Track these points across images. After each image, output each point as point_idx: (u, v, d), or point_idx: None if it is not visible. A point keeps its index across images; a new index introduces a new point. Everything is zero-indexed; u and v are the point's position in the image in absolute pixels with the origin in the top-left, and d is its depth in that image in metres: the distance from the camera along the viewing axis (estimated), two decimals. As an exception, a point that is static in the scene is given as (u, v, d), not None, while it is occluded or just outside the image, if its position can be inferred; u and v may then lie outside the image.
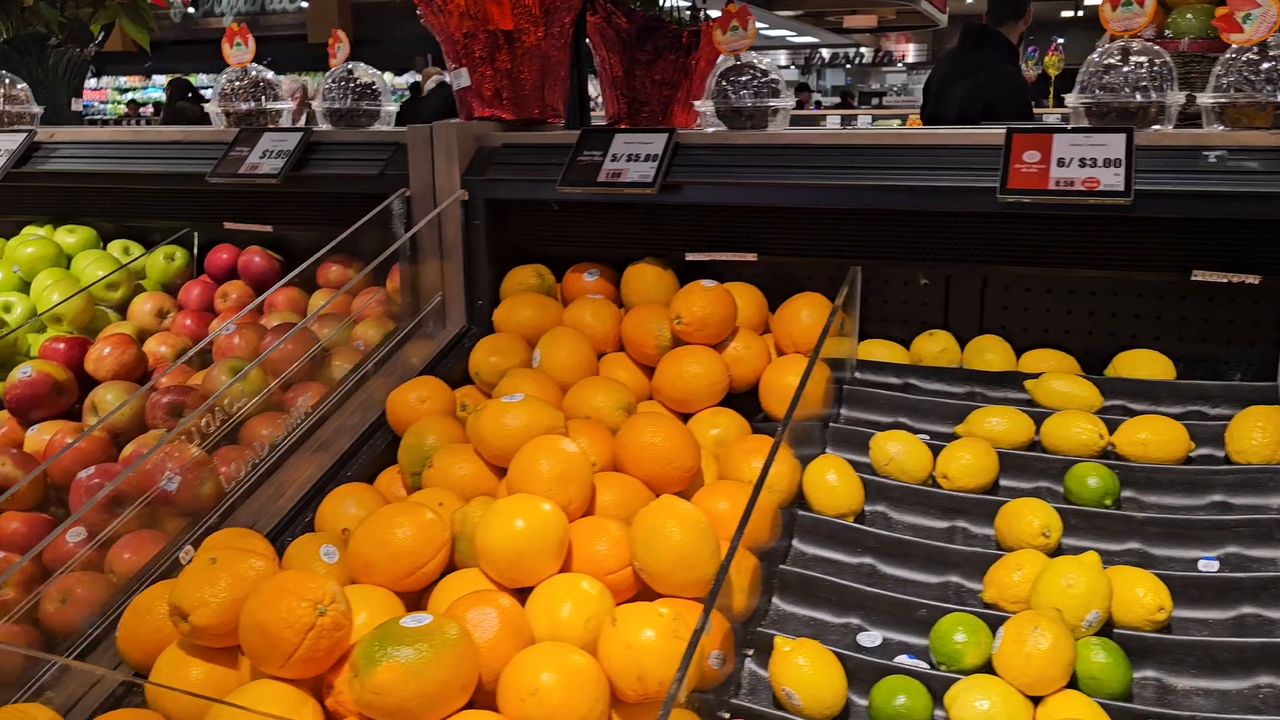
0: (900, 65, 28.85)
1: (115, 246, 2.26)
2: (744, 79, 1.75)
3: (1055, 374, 1.57)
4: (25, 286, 2.15)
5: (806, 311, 1.62)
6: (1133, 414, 1.50)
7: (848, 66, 29.25)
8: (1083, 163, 1.44)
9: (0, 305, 2.08)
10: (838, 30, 24.43)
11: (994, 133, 1.56)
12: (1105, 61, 1.56)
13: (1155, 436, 1.42)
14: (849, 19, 21.18)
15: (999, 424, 1.50)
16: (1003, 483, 1.46)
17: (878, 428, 1.58)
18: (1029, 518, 1.31)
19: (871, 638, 1.26)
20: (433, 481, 1.40)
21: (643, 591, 1.24)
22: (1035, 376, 1.58)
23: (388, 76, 17.04)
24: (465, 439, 1.49)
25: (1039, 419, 1.50)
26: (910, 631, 1.26)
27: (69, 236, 2.23)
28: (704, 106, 1.81)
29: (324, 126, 2.06)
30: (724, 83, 1.77)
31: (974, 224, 1.63)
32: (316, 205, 2.03)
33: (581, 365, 1.63)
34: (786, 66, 28.65)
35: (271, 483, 1.55)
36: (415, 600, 1.23)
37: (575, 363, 1.62)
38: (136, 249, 2.27)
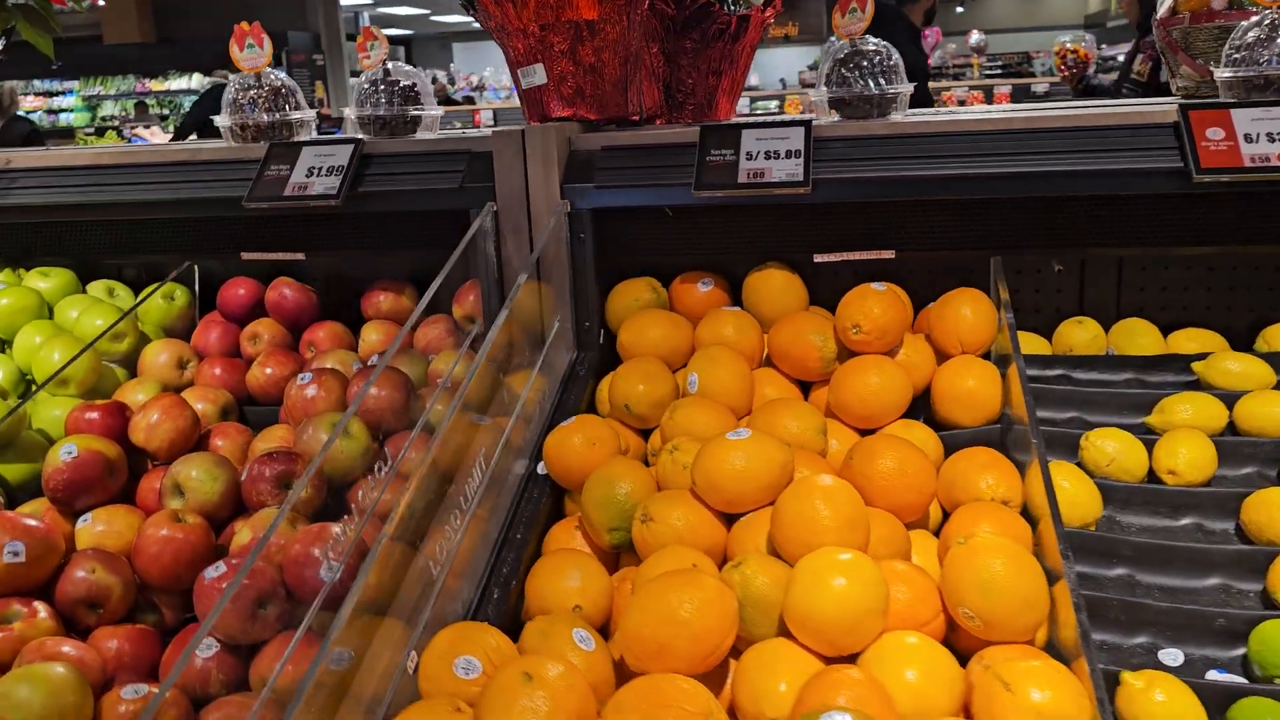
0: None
1: (97, 289, 1.93)
2: (865, 64, 1.64)
3: (1225, 353, 1.54)
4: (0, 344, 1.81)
5: (969, 308, 1.52)
6: (1312, 387, 1.48)
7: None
8: (1271, 138, 1.40)
9: (-24, 368, 1.74)
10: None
11: (1152, 110, 1.51)
12: (1250, 36, 1.53)
13: (1361, 408, 1.41)
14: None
15: (1189, 411, 1.45)
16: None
17: (1054, 425, 1.51)
18: (1291, 507, 1.26)
19: (1173, 656, 1.18)
20: (656, 538, 1.22)
21: (947, 641, 1.12)
22: (1200, 357, 1.55)
23: (195, 78, 16.01)
24: (656, 485, 1.32)
25: (1228, 401, 1.46)
26: (1211, 644, 1.19)
27: (42, 281, 1.89)
28: (818, 95, 1.68)
29: (357, 135, 1.81)
30: (843, 69, 1.65)
31: (1125, 206, 1.57)
32: (367, 226, 1.79)
33: (745, 387, 1.48)
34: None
35: (421, 556, 1.34)
36: (713, 683, 1.07)
37: (740, 385, 1.47)
38: (123, 290, 1.96)
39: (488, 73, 18.65)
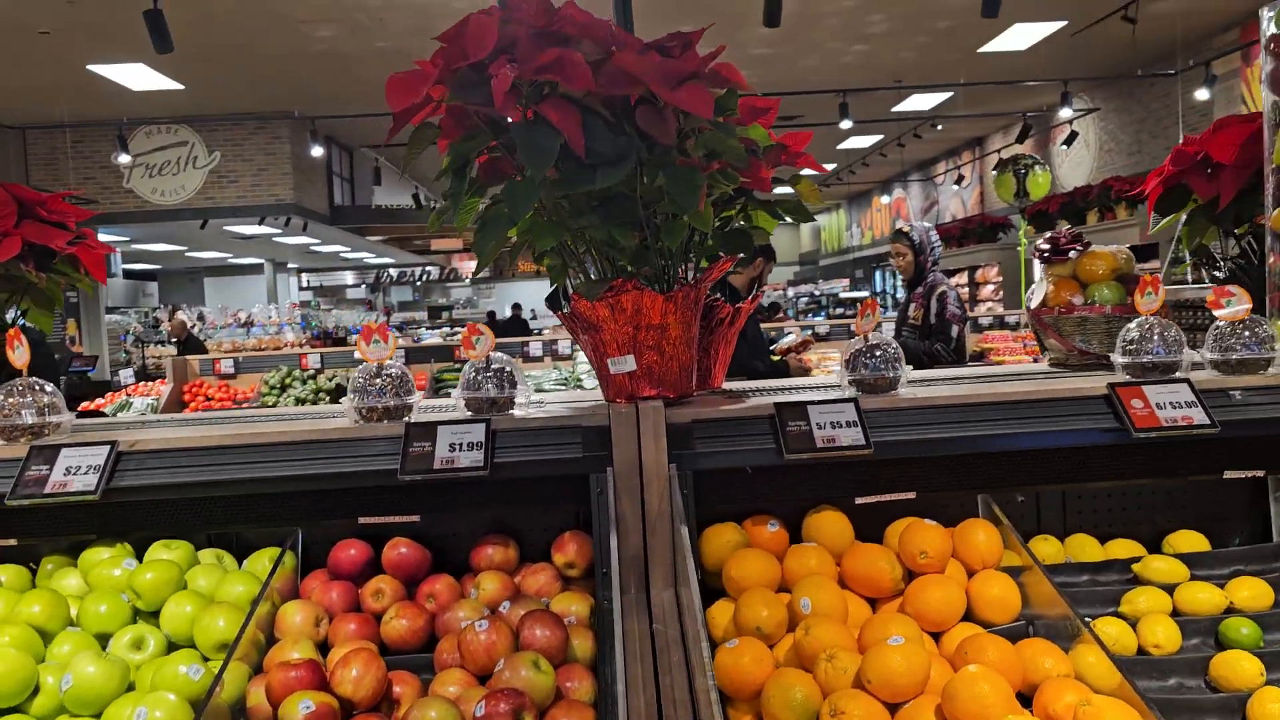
0: (466, 280, 30.59)
1: (208, 557, 2.10)
2: (878, 355, 2.19)
3: (1152, 556, 2.14)
4: (132, 616, 1.93)
5: (983, 534, 2.04)
6: (1213, 579, 2.09)
7: (416, 284, 30.43)
8: (1174, 405, 2.06)
9: (130, 643, 1.85)
10: (423, 252, 25.56)
11: (1085, 386, 2.14)
12: (1134, 334, 2.22)
13: (1254, 591, 2.02)
14: (436, 242, 22.32)
15: (1146, 602, 2.01)
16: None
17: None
18: (1244, 663, 1.82)
19: (1207, 778, 1.67)
20: (847, 732, 1.59)
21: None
22: (1135, 560, 2.13)
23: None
24: (819, 688, 1.70)
25: (1169, 591, 2.04)
26: (1227, 766, 1.69)
27: (166, 552, 2.03)
28: (844, 378, 2.21)
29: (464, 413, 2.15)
30: (861, 358, 2.19)
31: (1067, 457, 2.17)
32: (493, 490, 2.09)
33: (842, 605, 1.90)
34: (357, 285, 29.21)
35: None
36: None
37: (839, 603, 1.89)
38: (228, 558, 2.12)
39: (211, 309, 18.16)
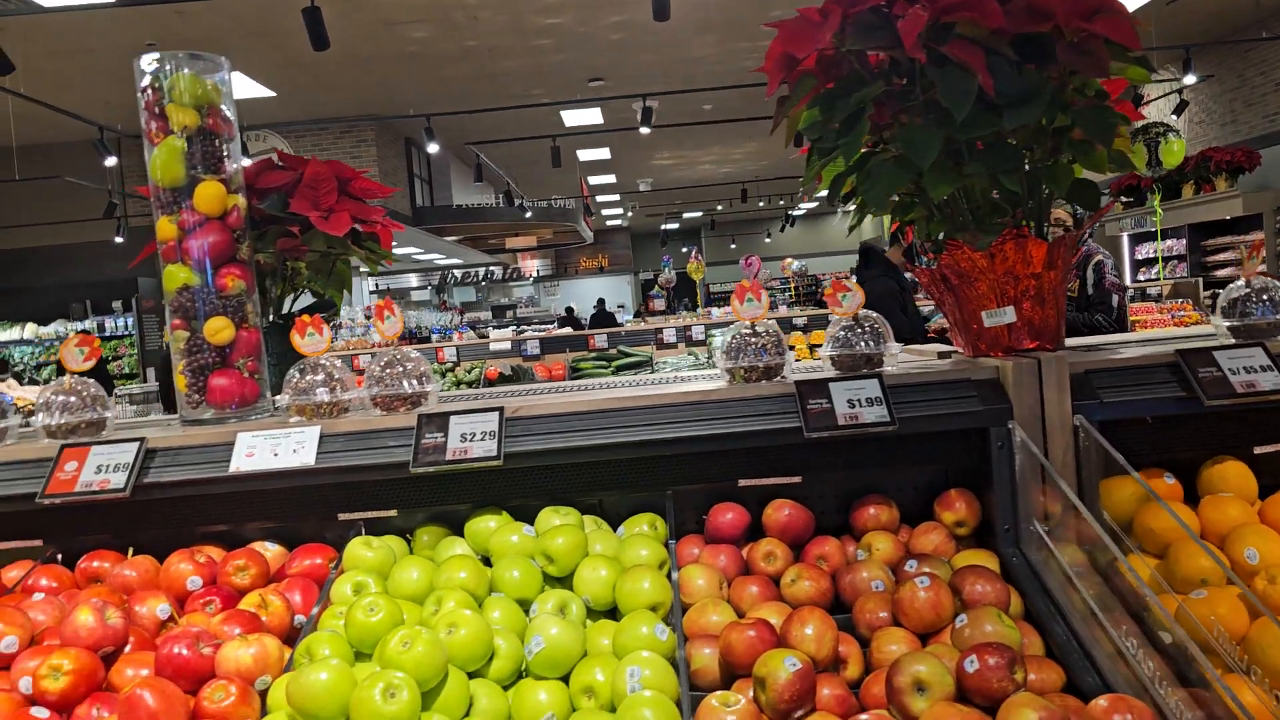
0: (529, 279, 30.71)
1: (588, 524, 2.06)
2: (1265, 299, 2.10)
3: None
4: (543, 582, 1.90)
5: (1400, 480, 1.95)
6: None
7: (480, 284, 30.59)
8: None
9: (555, 608, 1.81)
10: (495, 251, 25.67)
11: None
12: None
13: None
14: (511, 240, 22.42)
15: None
16: None
17: None
18: None
19: None
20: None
21: None
22: None
23: (30, 327, 15.22)
24: None
25: None
26: None
27: (558, 518, 2.00)
28: (1220, 324, 2.12)
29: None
30: (1247, 301, 2.11)
31: None
32: (881, 446, 2.04)
33: (1284, 554, 1.82)
34: (421, 287, 29.40)
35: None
36: None
37: (1282, 552, 1.81)
38: (604, 524, 2.09)
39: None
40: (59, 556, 2.13)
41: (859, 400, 1.96)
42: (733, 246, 31.88)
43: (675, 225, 30.79)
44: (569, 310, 23.25)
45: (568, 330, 8.57)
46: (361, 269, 2.73)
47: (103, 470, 1.95)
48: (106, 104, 11.97)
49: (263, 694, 1.63)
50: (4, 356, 15.30)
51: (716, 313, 11.76)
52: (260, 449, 1.99)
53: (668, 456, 2.06)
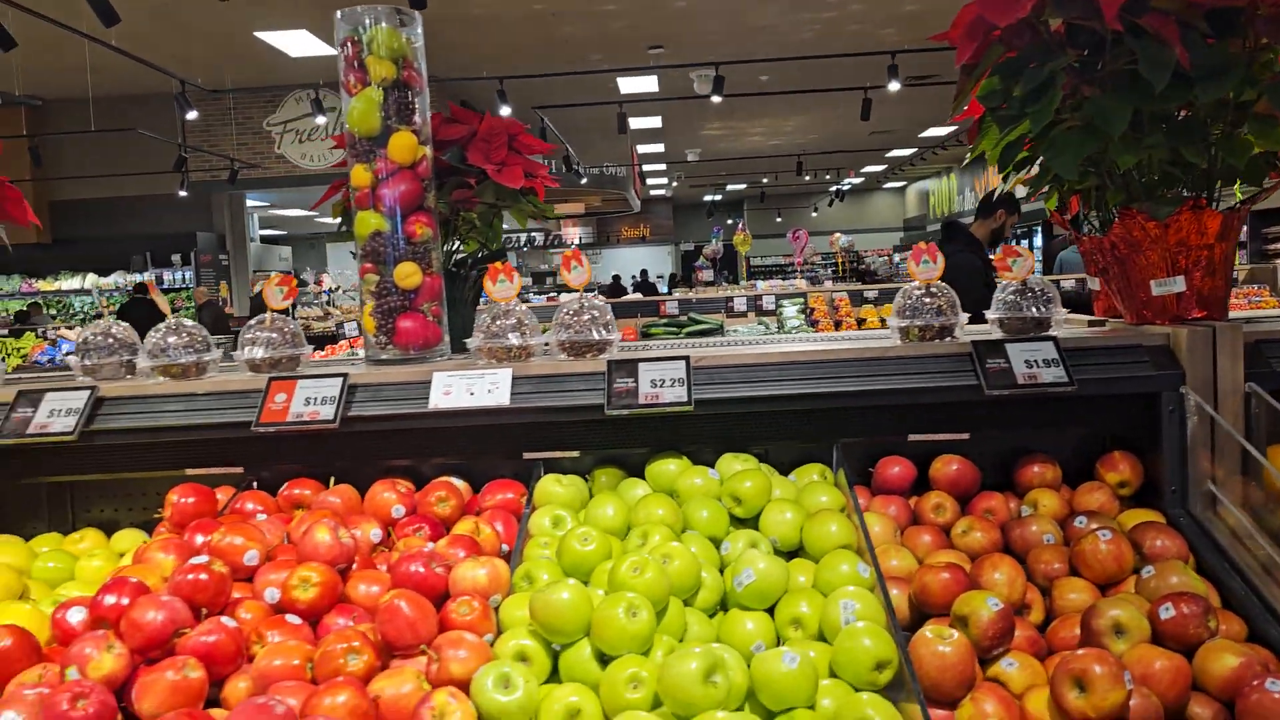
0: (571, 245, 30.76)
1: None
2: None
3: None
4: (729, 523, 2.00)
5: None
6: None
7: (521, 249, 30.71)
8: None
9: (745, 547, 1.91)
10: (540, 218, 25.74)
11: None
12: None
13: None
14: (560, 206, 22.49)
15: None
16: None
17: None
18: None
19: None
20: None
21: None
22: None
23: (90, 277, 15.50)
24: None
25: None
26: None
27: (739, 464, 2.10)
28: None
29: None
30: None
31: None
32: (1061, 410, 2.11)
33: None
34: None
35: None
36: None
37: None
38: (776, 473, 2.18)
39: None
40: (254, 484, 2.25)
41: (1036, 361, 2.03)
42: (778, 220, 31.81)
43: (719, 197, 30.72)
44: (615, 278, 23.31)
45: (638, 296, 8.67)
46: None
47: (311, 403, 2.06)
48: (182, 60, 12.11)
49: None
50: (66, 304, 15.60)
51: (762, 285, 11.76)
52: (456, 388, 2.09)
53: (838, 409, 2.15)
